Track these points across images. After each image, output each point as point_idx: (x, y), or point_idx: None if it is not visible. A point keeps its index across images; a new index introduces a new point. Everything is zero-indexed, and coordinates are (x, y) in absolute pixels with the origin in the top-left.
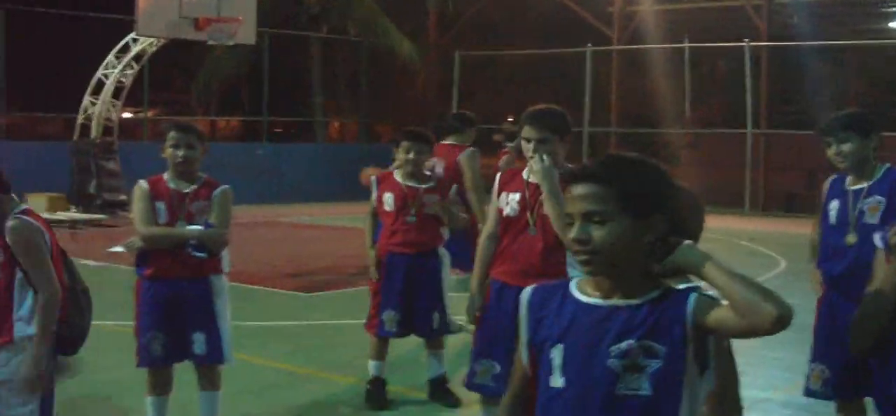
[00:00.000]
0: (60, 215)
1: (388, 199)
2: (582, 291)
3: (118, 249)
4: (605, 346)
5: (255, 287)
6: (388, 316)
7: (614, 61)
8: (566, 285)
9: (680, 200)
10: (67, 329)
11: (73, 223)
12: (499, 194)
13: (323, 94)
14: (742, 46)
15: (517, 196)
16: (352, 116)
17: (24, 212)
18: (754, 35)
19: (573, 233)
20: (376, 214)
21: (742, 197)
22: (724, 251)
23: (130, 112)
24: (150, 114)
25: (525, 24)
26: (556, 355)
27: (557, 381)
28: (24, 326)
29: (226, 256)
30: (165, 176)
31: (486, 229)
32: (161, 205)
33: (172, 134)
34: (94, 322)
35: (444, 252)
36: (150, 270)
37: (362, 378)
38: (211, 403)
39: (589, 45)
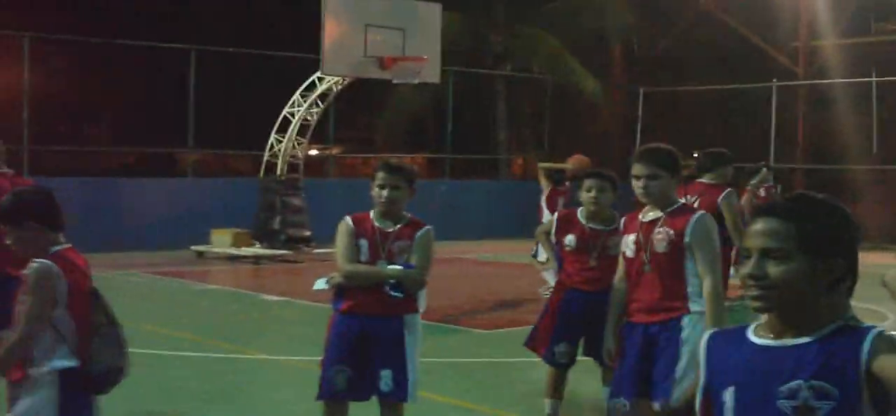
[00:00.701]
0: (245, 251)
1: (570, 240)
2: (756, 333)
3: (320, 286)
4: (776, 387)
5: (435, 323)
6: (560, 349)
7: (800, 96)
8: (744, 329)
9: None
10: (94, 368)
11: (256, 259)
12: (622, 238)
13: (506, 130)
14: None
15: (633, 237)
16: (535, 153)
17: (59, 253)
18: None
19: (748, 268)
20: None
21: None
22: None
23: (317, 149)
24: (335, 151)
25: (709, 60)
26: (729, 397)
27: None
28: (41, 361)
29: (422, 296)
30: (371, 214)
31: (617, 273)
32: (364, 242)
33: (380, 174)
34: (270, 356)
35: None
36: (346, 304)
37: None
38: None
39: (774, 80)
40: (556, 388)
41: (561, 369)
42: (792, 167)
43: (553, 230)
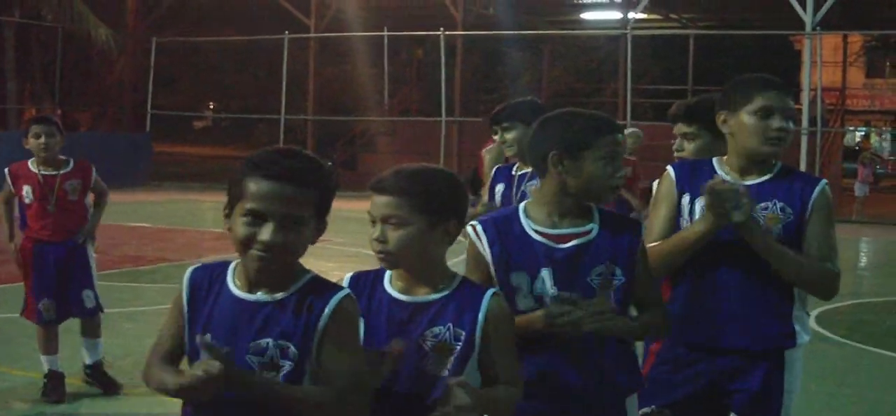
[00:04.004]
0: None
1: (28, 191)
2: (233, 281)
3: None
4: (245, 342)
5: None
6: (44, 304)
7: (311, 49)
8: (223, 270)
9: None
10: None
11: None
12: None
13: (16, 80)
14: (438, 35)
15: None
16: (48, 104)
17: None
18: (451, 25)
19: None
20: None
21: None
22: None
23: None
24: None
25: (227, 11)
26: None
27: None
28: None
29: None
30: None
31: None
32: None
33: None
34: None
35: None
36: None
37: (40, 371)
38: None
39: (286, 32)
40: (50, 343)
41: (50, 325)
42: (304, 118)
43: (10, 185)
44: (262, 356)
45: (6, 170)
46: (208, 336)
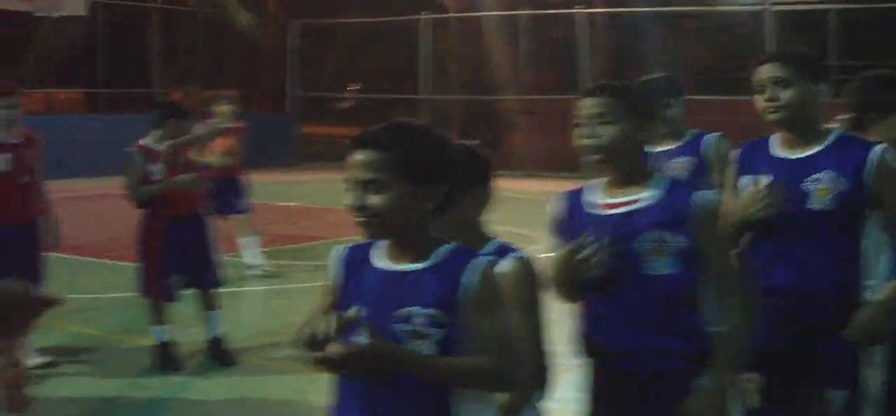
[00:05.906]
0: None
1: (159, 168)
2: (378, 256)
3: None
4: (390, 311)
5: (91, 259)
6: (173, 280)
7: (452, 29)
8: (368, 248)
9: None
10: None
11: None
12: None
13: (161, 64)
14: (575, 13)
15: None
16: (193, 87)
17: None
18: (588, 2)
19: (350, 200)
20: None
21: (577, 160)
22: None
23: None
24: None
25: None
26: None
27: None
28: None
29: None
30: None
31: None
32: None
33: None
34: None
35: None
36: None
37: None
38: None
39: (423, 13)
40: (165, 313)
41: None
42: (445, 98)
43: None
44: (408, 323)
45: (135, 153)
46: (353, 311)
